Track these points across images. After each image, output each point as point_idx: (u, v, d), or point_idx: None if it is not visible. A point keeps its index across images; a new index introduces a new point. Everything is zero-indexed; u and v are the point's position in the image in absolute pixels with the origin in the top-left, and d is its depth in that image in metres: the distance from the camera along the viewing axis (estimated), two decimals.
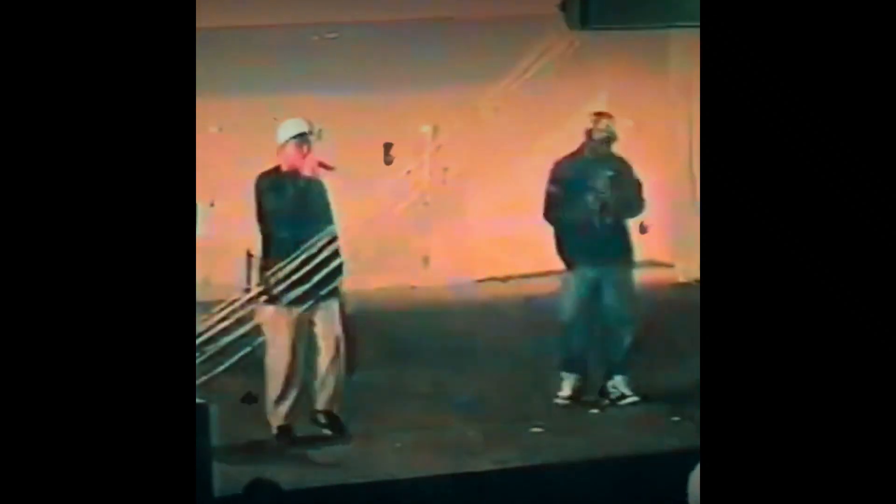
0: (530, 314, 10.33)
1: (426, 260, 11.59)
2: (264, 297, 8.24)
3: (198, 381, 7.21)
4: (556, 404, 8.89)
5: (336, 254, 8.25)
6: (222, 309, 8.51)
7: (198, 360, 7.49)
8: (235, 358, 8.33)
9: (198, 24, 5.25)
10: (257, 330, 8.40)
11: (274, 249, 8.23)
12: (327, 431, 8.23)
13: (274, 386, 8.18)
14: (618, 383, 8.96)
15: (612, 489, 7.50)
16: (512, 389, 9.03)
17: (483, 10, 11.24)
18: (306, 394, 8.27)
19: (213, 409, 7.26)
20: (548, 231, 9.10)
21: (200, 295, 6.22)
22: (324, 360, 8.23)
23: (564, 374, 8.96)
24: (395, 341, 9.92)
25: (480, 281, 12.28)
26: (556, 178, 9.01)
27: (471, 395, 8.90)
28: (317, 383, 8.25)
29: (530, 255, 11.17)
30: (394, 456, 8.02)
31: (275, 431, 8.19)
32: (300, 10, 11.32)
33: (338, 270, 8.26)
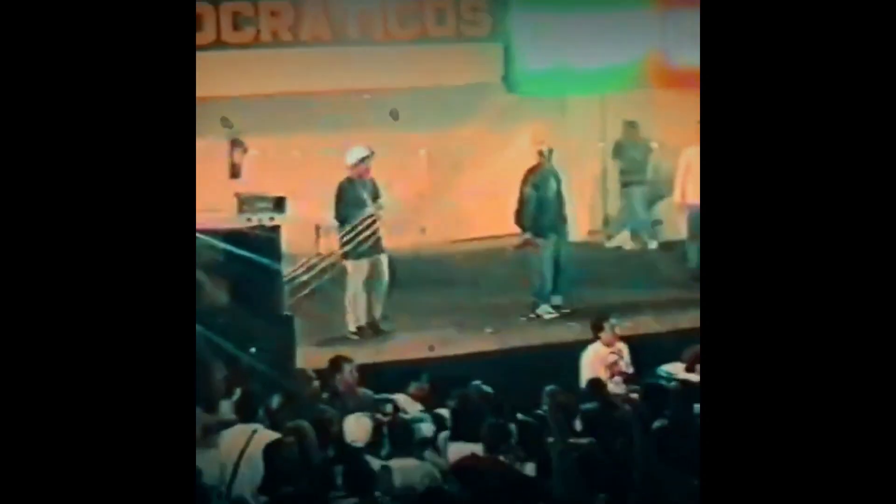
0: (504, 264, 13.73)
1: (423, 230, 14.91)
2: (341, 253, 12.06)
3: (289, 303, 10.85)
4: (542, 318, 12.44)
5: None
6: (303, 264, 12.53)
7: (288, 290, 11.08)
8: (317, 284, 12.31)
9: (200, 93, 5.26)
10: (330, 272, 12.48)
11: (348, 223, 11.95)
12: (378, 328, 12.03)
13: (350, 304, 12.12)
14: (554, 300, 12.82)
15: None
16: (488, 304, 12.76)
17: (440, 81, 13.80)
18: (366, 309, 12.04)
19: (297, 321, 10.31)
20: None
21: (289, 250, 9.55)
22: (378, 288, 12.20)
23: (542, 305, 12.69)
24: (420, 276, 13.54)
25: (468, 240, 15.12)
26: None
27: (456, 310, 12.70)
28: (373, 303, 12.17)
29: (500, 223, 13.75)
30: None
31: (353, 329, 11.93)
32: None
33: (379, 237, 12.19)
